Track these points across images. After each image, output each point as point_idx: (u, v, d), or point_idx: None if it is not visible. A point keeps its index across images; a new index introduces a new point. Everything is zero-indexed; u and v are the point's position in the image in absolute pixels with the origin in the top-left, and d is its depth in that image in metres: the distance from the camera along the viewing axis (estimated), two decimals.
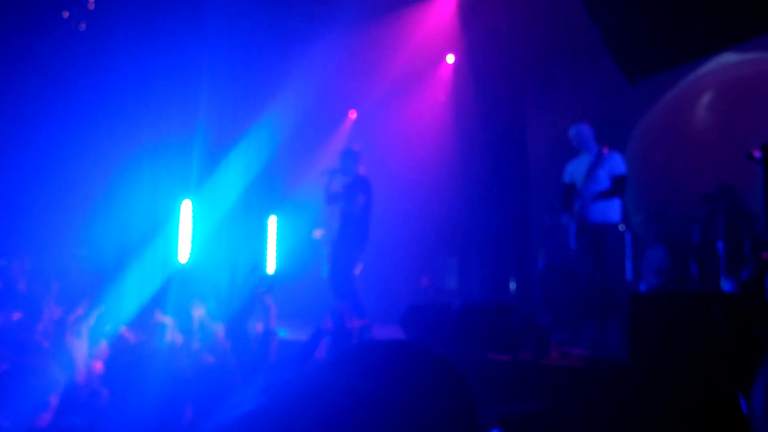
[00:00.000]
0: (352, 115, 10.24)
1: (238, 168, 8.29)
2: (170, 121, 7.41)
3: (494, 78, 8.42)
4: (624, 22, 3.87)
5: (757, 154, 4.21)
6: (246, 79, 8.44)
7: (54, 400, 2.52)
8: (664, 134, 8.28)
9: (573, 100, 8.31)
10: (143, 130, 7.16)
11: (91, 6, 7.17)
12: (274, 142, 8.96)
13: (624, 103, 7.95)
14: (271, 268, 9.51)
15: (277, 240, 9.68)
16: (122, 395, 2.79)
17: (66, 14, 7.13)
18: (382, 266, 8.71)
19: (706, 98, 7.98)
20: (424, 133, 9.23)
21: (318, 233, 9.37)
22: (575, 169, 5.44)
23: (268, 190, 9.30)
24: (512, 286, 8.45)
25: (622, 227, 5.62)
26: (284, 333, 5.56)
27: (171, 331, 4.21)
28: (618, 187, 5.19)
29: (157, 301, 5.66)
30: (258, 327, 4.73)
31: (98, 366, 3.63)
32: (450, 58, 9.38)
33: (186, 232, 7.61)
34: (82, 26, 7.19)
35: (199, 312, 4.75)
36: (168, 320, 4.31)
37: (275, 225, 9.72)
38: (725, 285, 5.75)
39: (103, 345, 3.90)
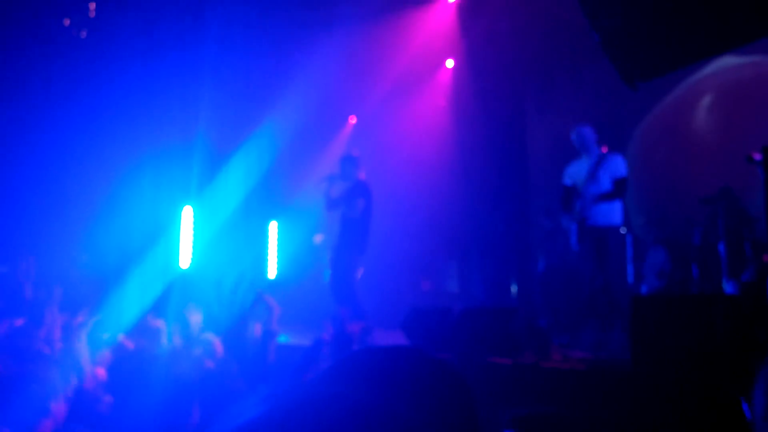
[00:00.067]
0: (352, 120, 10.25)
1: (239, 174, 8.30)
2: (171, 128, 7.43)
3: (494, 80, 8.42)
4: (624, 25, 3.87)
5: (758, 156, 4.22)
6: (246, 86, 8.45)
7: (59, 407, 2.51)
8: (664, 136, 8.29)
9: (573, 101, 8.31)
10: (144, 136, 7.17)
11: (92, 14, 7.20)
12: (274, 148, 8.98)
13: (624, 105, 7.95)
14: (271, 273, 9.52)
15: (277, 245, 9.69)
16: (126, 402, 2.80)
17: (67, 22, 7.15)
18: (383, 270, 8.70)
19: (706, 101, 7.99)
20: (424, 137, 9.24)
21: (318, 239, 9.37)
22: (576, 171, 5.44)
23: (269, 195, 9.32)
24: (513, 288, 8.44)
25: (623, 229, 5.62)
26: (285, 338, 5.56)
27: (165, 336, 4.18)
28: (619, 189, 5.19)
29: (159, 307, 5.65)
30: (257, 329, 4.71)
31: (101, 373, 3.62)
32: (449, 63, 9.40)
33: (187, 238, 7.62)
34: (83, 34, 7.21)
35: (196, 318, 4.72)
36: (161, 324, 4.28)
37: (276, 231, 9.73)
38: (726, 287, 5.75)
39: (105, 352, 3.89)
